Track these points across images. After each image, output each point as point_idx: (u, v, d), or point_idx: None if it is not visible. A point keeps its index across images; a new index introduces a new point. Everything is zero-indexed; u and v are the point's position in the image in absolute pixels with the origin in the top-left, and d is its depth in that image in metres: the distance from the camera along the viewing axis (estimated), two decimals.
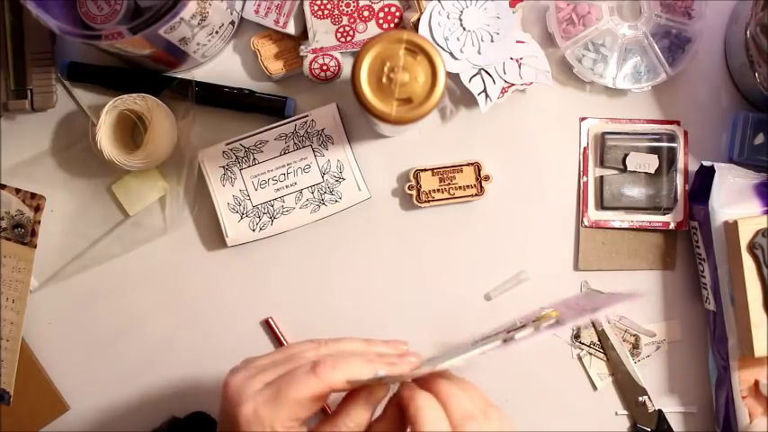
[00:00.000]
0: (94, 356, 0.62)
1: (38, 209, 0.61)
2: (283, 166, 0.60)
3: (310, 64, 0.60)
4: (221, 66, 0.62)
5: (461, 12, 0.58)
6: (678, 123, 0.62)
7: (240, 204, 0.60)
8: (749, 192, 0.58)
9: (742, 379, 0.58)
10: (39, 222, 0.61)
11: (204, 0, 0.52)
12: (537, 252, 0.63)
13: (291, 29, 0.60)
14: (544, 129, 0.62)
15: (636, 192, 0.62)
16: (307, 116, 0.60)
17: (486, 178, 0.61)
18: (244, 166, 0.60)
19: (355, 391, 0.43)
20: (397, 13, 0.60)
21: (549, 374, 0.62)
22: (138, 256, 0.62)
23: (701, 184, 0.60)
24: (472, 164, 0.61)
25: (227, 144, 0.60)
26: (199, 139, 0.61)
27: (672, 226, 0.62)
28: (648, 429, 0.62)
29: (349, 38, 0.60)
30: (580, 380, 0.63)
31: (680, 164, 0.62)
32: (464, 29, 0.58)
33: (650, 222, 0.62)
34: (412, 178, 0.61)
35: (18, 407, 0.61)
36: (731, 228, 0.56)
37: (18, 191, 0.61)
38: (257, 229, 0.60)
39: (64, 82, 0.61)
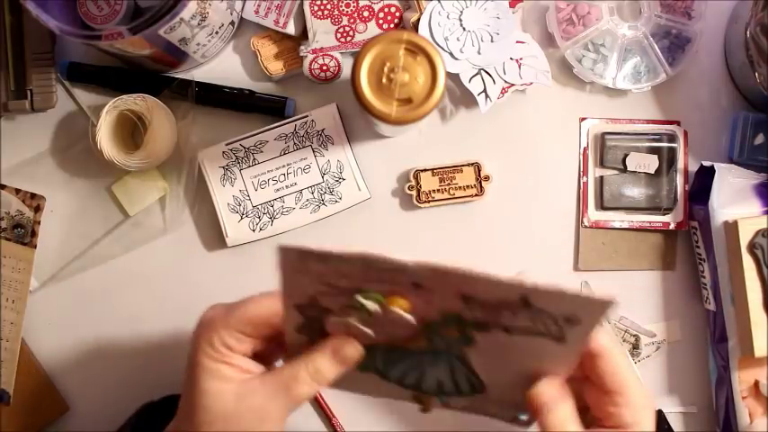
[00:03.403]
0: (94, 356, 0.62)
1: (38, 209, 0.61)
2: (283, 166, 0.61)
3: (310, 64, 0.60)
4: (221, 66, 0.62)
5: (461, 12, 0.58)
6: (678, 123, 0.62)
7: (240, 204, 0.60)
8: (749, 192, 0.58)
9: (742, 379, 0.58)
10: (39, 222, 0.61)
11: (204, 0, 0.52)
12: (537, 252, 0.63)
13: (291, 29, 0.60)
14: (544, 129, 0.62)
15: (636, 192, 0.62)
16: (307, 116, 0.60)
17: (486, 178, 0.61)
18: (244, 166, 0.60)
19: (326, 341, 0.43)
20: (397, 14, 0.60)
21: None
22: (138, 256, 0.62)
23: (701, 184, 0.60)
24: (472, 164, 0.61)
25: (227, 144, 0.60)
26: (199, 139, 0.61)
27: (672, 226, 0.62)
28: None
29: (349, 38, 0.60)
30: None
31: (680, 164, 0.62)
32: (464, 29, 0.58)
33: (650, 222, 0.62)
34: (412, 178, 0.61)
35: (18, 407, 0.61)
36: (731, 228, 0.56)
37: (18, 191, 0.61)
38: (257, 230, 0.60)
39: (64, 82, 0.61)
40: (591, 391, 0.44)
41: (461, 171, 0.61)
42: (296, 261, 0.37)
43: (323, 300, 0.40)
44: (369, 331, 0.41)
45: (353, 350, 0.43)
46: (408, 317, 0.39)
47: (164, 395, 0.57)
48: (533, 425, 0.46)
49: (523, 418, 0.47)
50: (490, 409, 0.47)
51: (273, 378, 0.43)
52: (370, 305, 0.38)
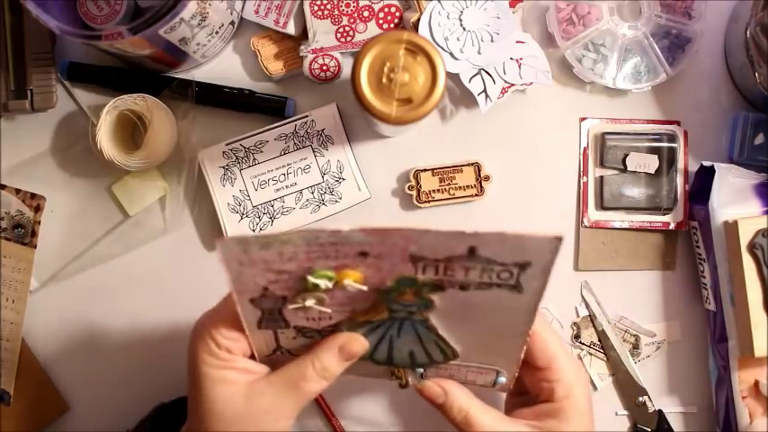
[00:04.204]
0: (95, 356, 0.62)
1: (38, 209, 0.61)
2: (283, 166, 0.61)
3: (310, 64, 0.60)
4: (221, 66, 0.62)
5: (461, 12, 0.58)
6: (678, 123, 0.62)
7: (240, 204, 0.60)
8: (749, 192, 0.58)
9: (742, 379, 0.58)
10: (39, 223, 0.61)
11: (204, 0, 0.52)
12: None
13: (291, 29, 0.60)
14: (544, 129, 0.62)
15: (636, 192, 0.62)
16: (307, 116, 0.60)
17: (486, 178, 0.61)
18: (244, 166, 0.60)
19: (331, 338, 0.44)
20: (397, 13, 0.60)
21: None
22: (138, 256, 0.62)
23: (701, 184, 0.60)
24: (472, 164, 0.61)
25: (227, 144, 0.60)
26: (199, 139, 0.61)
27: (672, 226, 0.62)
28: (648, 429, 0.62)
29: (349, 38, 0.60)
30: None
31: (680, 164, 0.62)
32: (464, 29, 0.58)
33: (650, 222, 0.62)
34: (412, 178, 0.61)
35: (18, 407, 0.61)
36: (731, 228, 0.56)
37: (18, 191, 0.61)
38: (257, 230, 0.60)
39: (64, 82, 0.61)
40: (526, 373, 0.48)
41: (461, 171, 0.61)
42: (239, 253, 0.38)
43: (275, 288, 0.40)
44: (327, 310, 0.41)
45: (359, 346, 0.44)
46: (361, 287, 0.39)
47: (166, 395, 0.57)
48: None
49: (502, 380, 0.48)
50: (470, 376, 0.48)
51: (281, 378, 0.44)
52: (322, 282, 0.39)
